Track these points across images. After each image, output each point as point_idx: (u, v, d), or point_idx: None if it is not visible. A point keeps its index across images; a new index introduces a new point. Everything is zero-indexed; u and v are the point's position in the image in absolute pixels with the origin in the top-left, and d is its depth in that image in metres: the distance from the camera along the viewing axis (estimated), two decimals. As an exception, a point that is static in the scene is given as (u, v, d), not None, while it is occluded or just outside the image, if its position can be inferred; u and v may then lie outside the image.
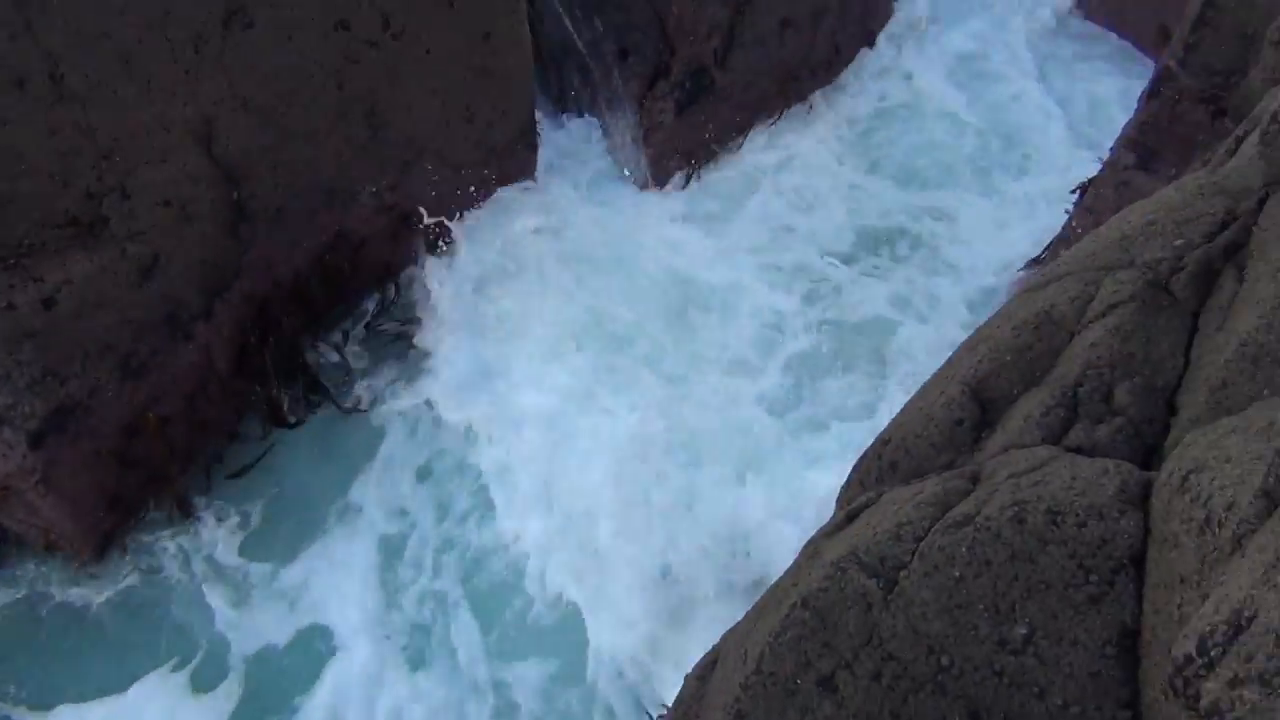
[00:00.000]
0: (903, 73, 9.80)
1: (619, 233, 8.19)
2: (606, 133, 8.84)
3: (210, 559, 6.66)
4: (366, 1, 7.04)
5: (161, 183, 6.49)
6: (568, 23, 8.52)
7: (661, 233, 8.24)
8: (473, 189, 8.11)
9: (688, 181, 8.71)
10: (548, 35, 8.58)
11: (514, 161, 8.22)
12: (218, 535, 6.76)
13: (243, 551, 6.73)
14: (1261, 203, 3.68)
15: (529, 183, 8.44)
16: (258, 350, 7.20)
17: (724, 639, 3.74)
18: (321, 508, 6.96)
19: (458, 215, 8.10)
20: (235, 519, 6.85)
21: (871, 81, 9.69)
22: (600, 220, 8.29)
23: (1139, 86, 7.66)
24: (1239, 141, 4.48)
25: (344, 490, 7.05)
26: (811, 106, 9.38)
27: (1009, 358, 3.93)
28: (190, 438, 6.94)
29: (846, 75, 9.66)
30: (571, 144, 8.91)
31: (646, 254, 8.06)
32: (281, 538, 6.81)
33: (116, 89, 5.98)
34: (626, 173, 8.74)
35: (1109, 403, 3.55)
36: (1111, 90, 9.81)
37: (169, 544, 6.73)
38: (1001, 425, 3.85)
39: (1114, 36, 10.40)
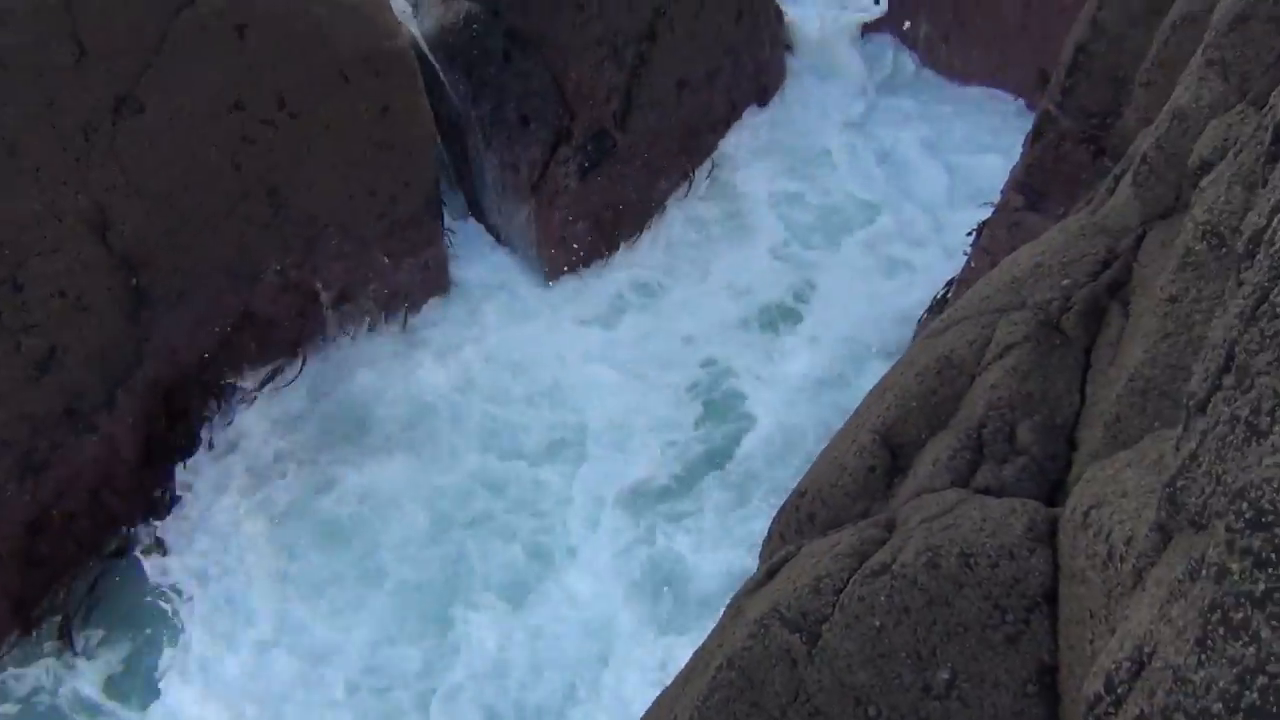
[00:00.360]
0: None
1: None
2: (505, 218, 8.89)
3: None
4: (261, 82, 7.01)
5: (55, 273, 6.34)
6: (468, 93, 8.57)
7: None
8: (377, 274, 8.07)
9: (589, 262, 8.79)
10: (446, 107, 8.61)
11: (420, 232, 8.20)
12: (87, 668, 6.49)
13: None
14: (1140, 240, 3.84)
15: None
16: (164, 437, 7.02)
17: (653, 707, 3.71)
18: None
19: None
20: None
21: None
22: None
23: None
24: (1117, 180, 4.68)
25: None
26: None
27: (915, 403, 4.01)
28: (96, 533, 6.71)
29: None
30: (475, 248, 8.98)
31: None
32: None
33: (3, 180, 5.84)
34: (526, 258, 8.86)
35: (1012, 442, 3.64)
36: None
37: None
38: (912, 470, 3.92)
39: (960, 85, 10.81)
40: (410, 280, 8.23)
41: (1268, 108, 2.39)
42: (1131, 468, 2.87)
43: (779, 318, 8.52)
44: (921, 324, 8.43)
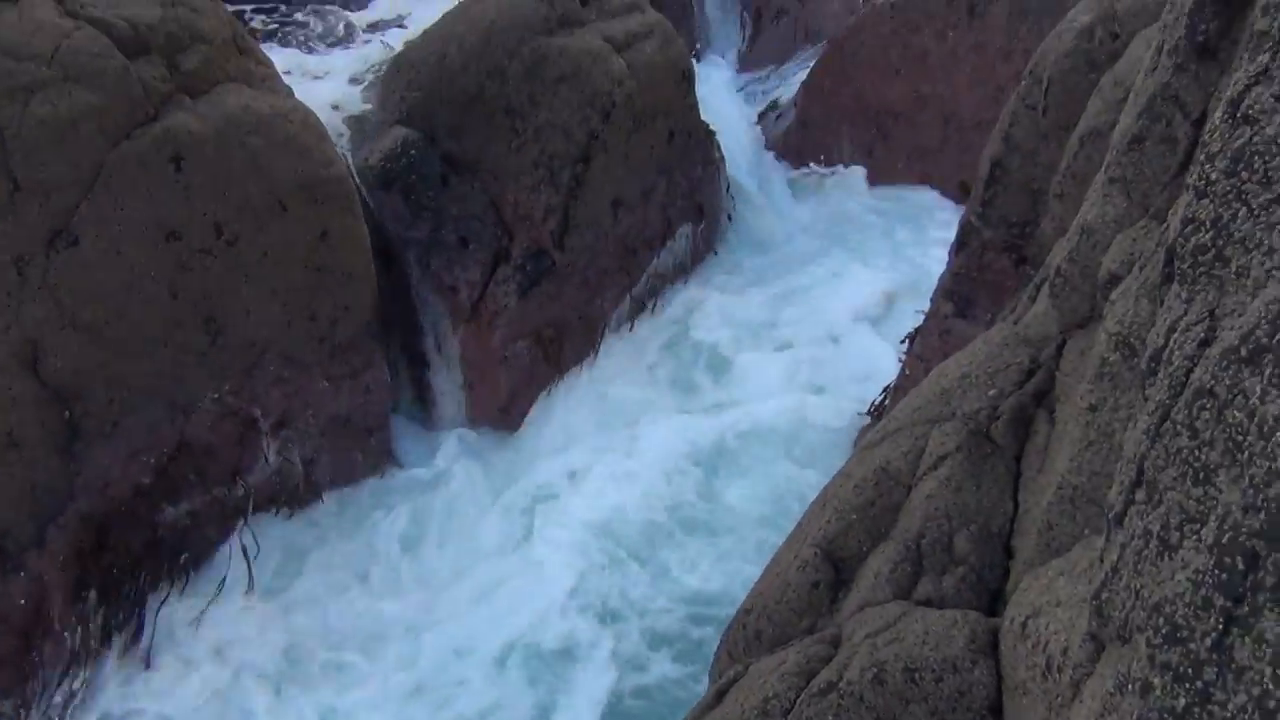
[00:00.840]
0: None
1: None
2: (443, 341, 8.96)
3: None
4: (198, 211, 7.04)
5: (-17, 410, 6.22)
6: (407, 217, 8.68)
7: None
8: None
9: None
10: (385, 231, 8.70)
11: (360, 355, 8.19)
12: None
13: None
14: (1060, 349, 3.97)
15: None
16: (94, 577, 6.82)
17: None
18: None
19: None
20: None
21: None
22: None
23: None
24: (1037, 289, 4.84)
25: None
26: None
27: (854, 516, 4.05)
28: (26, 679, 6.44)
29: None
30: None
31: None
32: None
33: (-69, 319, 5.76)
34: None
35: (951, 552, 3.68)
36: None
37: None
38: (855, 583, 3.93)
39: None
40: (350, 404, 8.18)
41: (1164, 226, 2.52)
42: (1064, 576, 2.92)
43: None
44: (861, 430, 8.54)
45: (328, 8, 11.68)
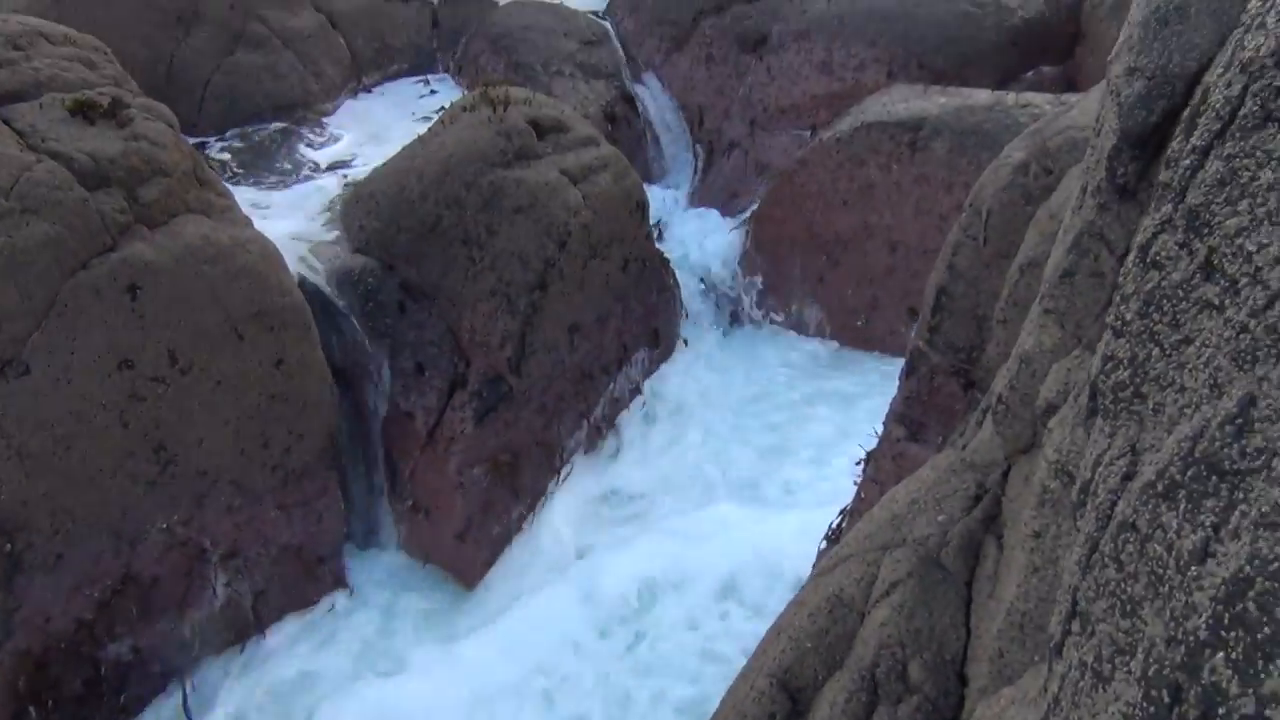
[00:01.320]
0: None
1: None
2: (399, 469, 8.92)
3: None
4: (152, 339, 7.04)
5: (-79, 543, 6.06)
6: (364, 344, 8.73)
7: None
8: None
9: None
10: (341, 357, 8.73)
11: (314, 483, 8.11)
12: None
13: None
14: (1005, 474, 4.04)
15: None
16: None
17: None
18: None
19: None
20: None
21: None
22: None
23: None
24: (984, 414, 4.94)
25: None
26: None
27: (809, 644, 4.03)
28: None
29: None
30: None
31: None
32: None
33: (-128, 450, 5.65)
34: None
35: (905, 681, 3.66)
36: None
37: None
38: (811, 714, 3.89)
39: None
40: (303, 533, 8.07)
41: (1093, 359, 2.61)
42: (1016, 705, 2.92)
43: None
44: (818, 553, 8.53)
45: (290, 144, 11.95)
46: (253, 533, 7.81)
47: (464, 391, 8.75)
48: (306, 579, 8.19)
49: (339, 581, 8.42)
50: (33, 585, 6.69)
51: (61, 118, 7.40)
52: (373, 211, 9.31)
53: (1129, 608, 1.57)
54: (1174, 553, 1.43)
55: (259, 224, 8.31)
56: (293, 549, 8.05)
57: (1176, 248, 1.71)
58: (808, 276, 11.22)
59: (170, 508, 7.31)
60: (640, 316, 10.22)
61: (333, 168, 11.50)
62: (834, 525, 8.61)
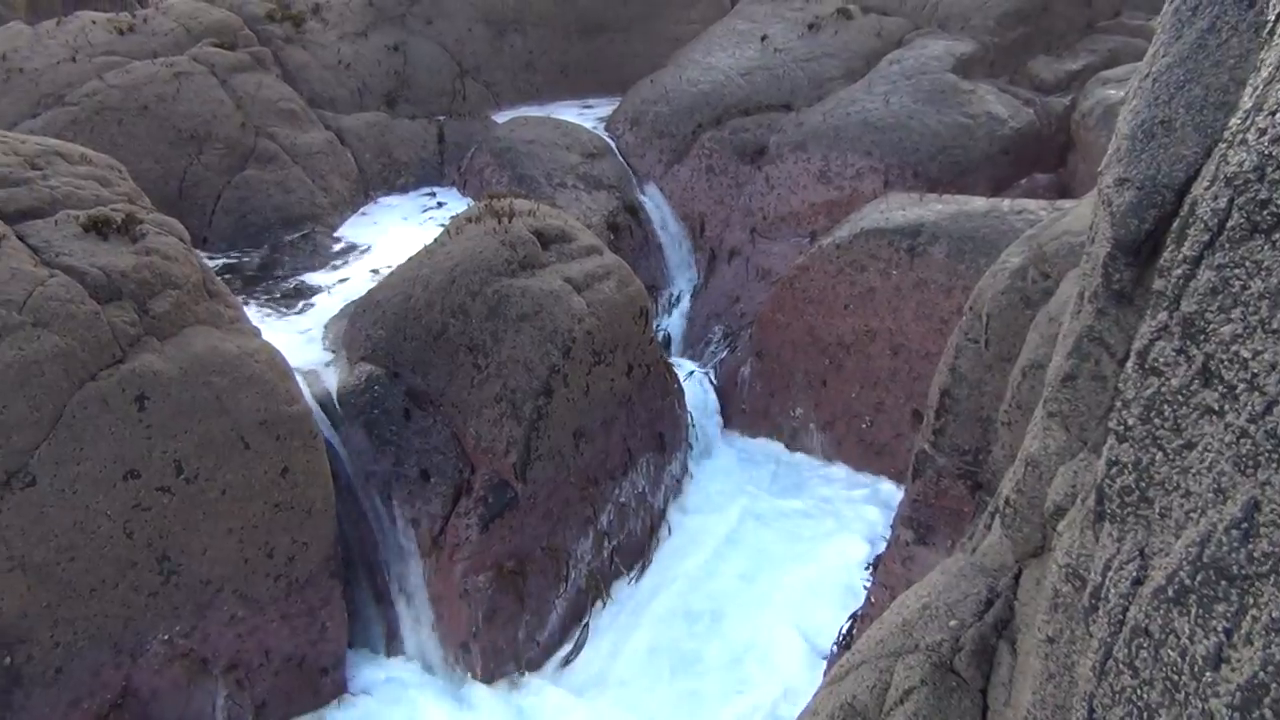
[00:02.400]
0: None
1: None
2: (404, 576, 8.86)
3: None
4: (158, 448, 7.07)
5: (-80, 659, 5.99)
6: (369, 451, 8.74)
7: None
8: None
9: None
10: (346, 466, 8.74)
11: (318, 592, 8.03)
12: None
13: None
14: (1017, 578, 4.01)
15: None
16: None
17: None
18: None
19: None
20: None
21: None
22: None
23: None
24: (993, 517, 4.93)
25: None
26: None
27: (822, 755, 3.96)
28: None
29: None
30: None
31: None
32: None
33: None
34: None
35: (921, 793, 3.58)
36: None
37: None
38: (826, 829, 3.80)
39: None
40: (306, 643, 7.96)
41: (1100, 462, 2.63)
42: (1035, 817, 2.86)
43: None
44: (830, 658, 8.40)
45: (298, 255, 12.17)
46: (255, 644, 7.71)
47: (469, 498, 8.73)
48: (308, 689, 8.06)
49: (340, 689, 8.27)
50: (31, 699, 6.59)
51: (75, 233, 7.57)
52: (379, 320, 9.42)
53: (1146, 715, 1.56)
54: (1188, 658, 1.44)
55: (266, 334, 8.41)
56: (295, 659, 7.93)
57: (1174, 354, 1.75)
58: (812, 380, 11.28)
59: (172, 618, 7.24)
60: (645, 421, 10.25)
61: (339, 278, 11.68)
62: (844, 630, 8.49)
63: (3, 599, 6.45)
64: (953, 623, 3.98)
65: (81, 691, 6.86)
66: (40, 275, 6.96)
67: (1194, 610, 1.46)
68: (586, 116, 16.05)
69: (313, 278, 11.71)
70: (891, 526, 8.09)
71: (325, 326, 10.20)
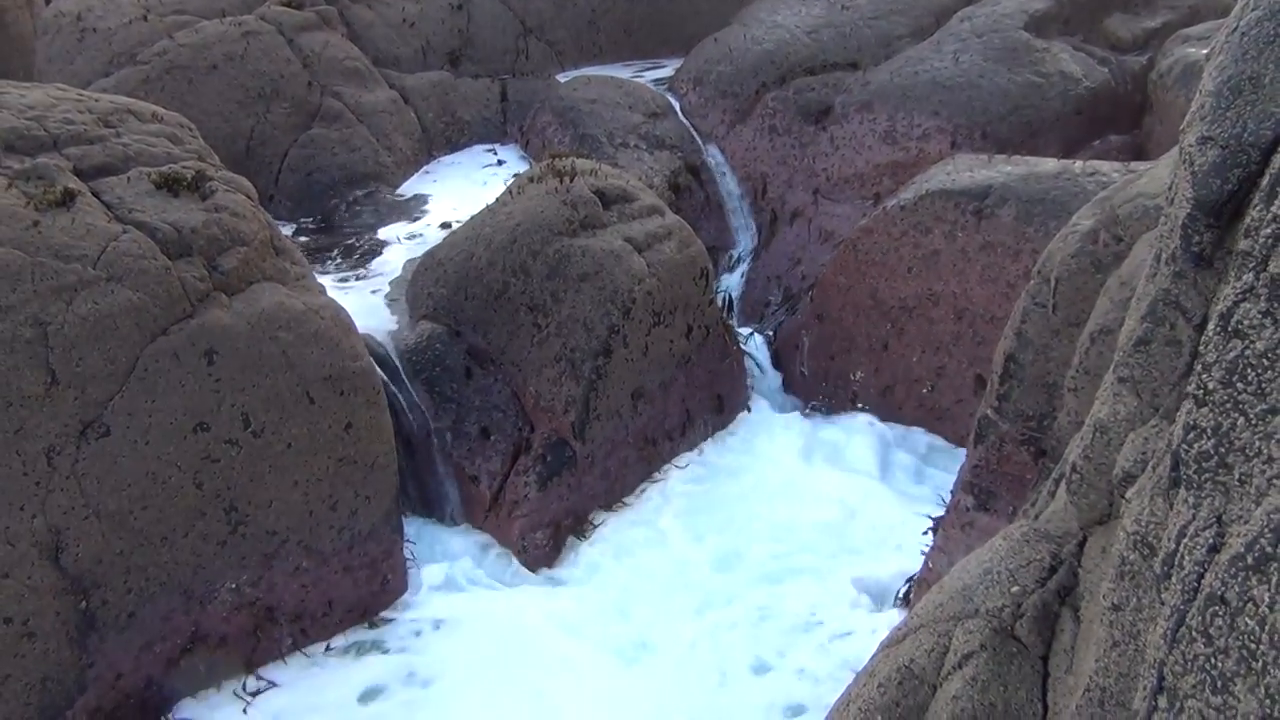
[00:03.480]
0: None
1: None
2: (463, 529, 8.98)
3: None
4: (226, 402, 7.21)
5: (2, 599, 6.23)
6: (430, 408, 8.86)
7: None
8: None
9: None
10: (408, 421, 8.86)
11: (379, 545, 8.18)
12: None
13: None
14: (1082, 545, 3.96)
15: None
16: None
17: None
18: None
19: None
20: None
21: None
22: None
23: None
24: (1056, 484, 4.86)
25: None
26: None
27: (879, 716, 3.96)
28: None
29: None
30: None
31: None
32: None
33: (-40, 509, 5.85)
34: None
35: (979, 757, 3.57)
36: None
37: None
38: (882, 791, 3.81)
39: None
40: (368, 595, 8.13)
41: (1172, 429, 2.57)
42: (1097, 785, 2.83)
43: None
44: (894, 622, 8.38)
45: (363, 213, 12.29)
46: (319, 594, 7.88)
47: (528, 456, 8.82)
48: (370, 642, 8.22)
49: (402, 645, 8.44)
50: (105, 642, 6.81)
51: (147, 190, 7.70)
52: (441, 279, 9.50)
53: (1220, 683, 1.53)
54: (1267, 627, 1.40)
55: (331, 291, 8.52)
56: (357, 611, 8.10)
57: (1260, 316, 1.70)
58: (874, 344, 11.17)
59: (239, 568, 7.42)
60: (704, 382, 10.23)
61: (403, 234, 11.78)
62: (900, 593, 8.46)
63: (80, 546, 6.66)
64: (1014, 588, 3.94)
65: (153, 635, 7.08)
66: (114, 231, 7.11)
67: (1275, 578, 1.42)
68: (650, 76, 15.92)
69: (377, 235, 11.83)
70: (951, 491, 8.01)
71: (389, 284, 10.31)
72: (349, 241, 11.73)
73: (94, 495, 6.68)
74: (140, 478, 6.87)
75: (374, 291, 10.26)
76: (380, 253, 11.31)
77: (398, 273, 10.59)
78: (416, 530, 8.93)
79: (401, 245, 11.44)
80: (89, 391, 6.70)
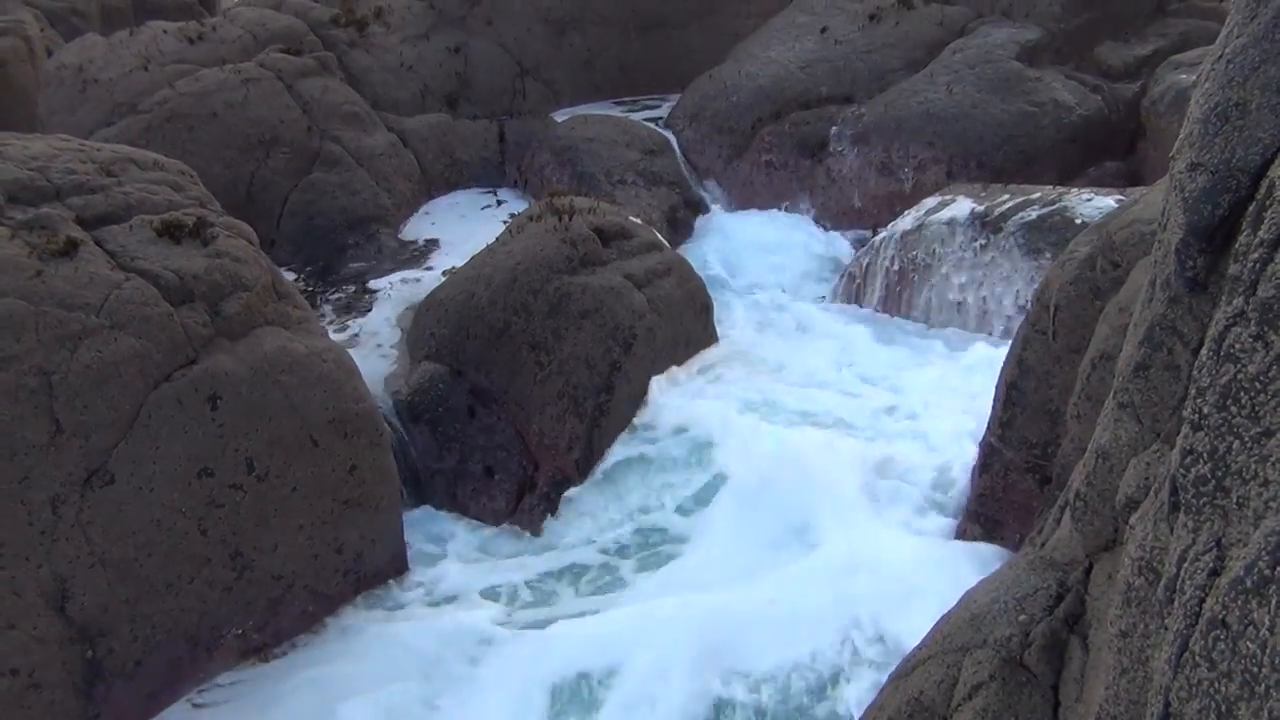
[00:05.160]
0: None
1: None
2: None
3: None
4: (230, 447, 7.22)
5: (8, 651, 6.19)
6: (434, 449, 8.86)
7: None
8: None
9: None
10: (413, 461, 8.86)
11: (386, 588, 8.16)
12: None
13: None
14: (1088, 572, 3.94)
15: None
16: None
17: None
18: None
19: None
20: None
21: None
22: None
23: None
24: (1061, 511, 4.85)
25: None
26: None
27: (890, 751, 3.93)
28: None
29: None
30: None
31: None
32: None
33: (-35, 560, 5.83)
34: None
35: (991, 789, 3.54)
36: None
37: None
38: (894, 825, 3.77)
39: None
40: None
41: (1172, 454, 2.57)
42: (1110, 814, 2.81)
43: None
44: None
45: (363, 255, 12.34)
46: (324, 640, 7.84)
47: (533, 495, 8.81)
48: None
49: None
50: (112, 691, 6.77)
51: (149, 238, 7.75)
52: (442, 319, 9.54)
53: (1224, 708, 1.53)
54: (1268, 650, 1.40)
55: (332, 334, 8.55)
56: (364, 655, 8.05)
57: (1251, 340, 1.71)
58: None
59: (245, 613, 7.39)
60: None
61: (402, 278, 11.83)
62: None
63: (85, 594, 6.64)
64: (1022, 617, 3.93)
65: (159, 684, 7.03)
66: (117, 279, 7.15)
67: (1274, 601, 1.43)
68: (646, 113, 16.07)
69: (377, 278, 11.89)
70: (957, 521, 7.99)
71: (390, 325, 10.34)
72: (349, 284, 11.78)
73: (99, 543, 6.67)
74: (145, 525, 6.86)
75: (370, 332, 10.29)
76: (380, 294, 11.36)
77: (398, 313, 10.62)
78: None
79: (402, 287, 11.49)
80: (93, 440, 6.71)
